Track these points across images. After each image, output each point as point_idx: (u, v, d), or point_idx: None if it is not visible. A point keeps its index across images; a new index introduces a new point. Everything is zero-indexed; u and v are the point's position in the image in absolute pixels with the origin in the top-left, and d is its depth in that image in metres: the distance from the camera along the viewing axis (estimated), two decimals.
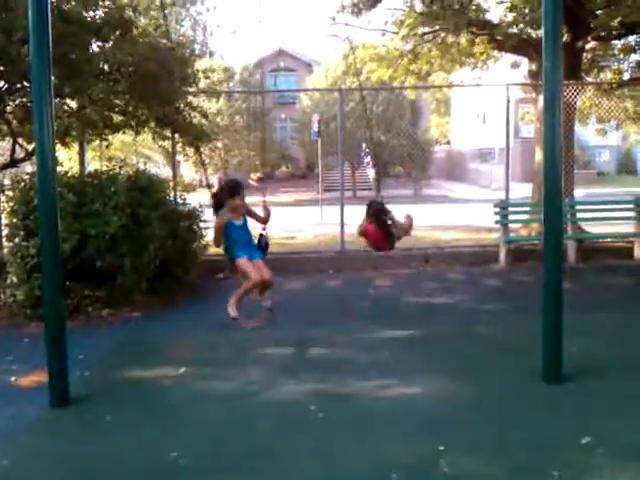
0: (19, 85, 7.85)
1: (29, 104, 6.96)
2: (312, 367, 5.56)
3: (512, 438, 4.07)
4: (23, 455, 4.10)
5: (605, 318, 6.84)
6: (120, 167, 8.15)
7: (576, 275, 8.87)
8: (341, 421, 4.40)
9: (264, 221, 6.26)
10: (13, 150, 8.99)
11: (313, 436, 4.19)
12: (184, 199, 9.19)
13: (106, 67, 8.09)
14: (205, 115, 10.23)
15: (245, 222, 6.08)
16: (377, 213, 6.40)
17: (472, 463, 3.77)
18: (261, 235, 6.28)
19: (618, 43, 12.37)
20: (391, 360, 5.65)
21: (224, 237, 5.96)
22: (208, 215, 8.99)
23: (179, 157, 14.11)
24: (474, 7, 11.21)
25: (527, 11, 10.70)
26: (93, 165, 12.00)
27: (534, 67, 11.59)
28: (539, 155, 10.86)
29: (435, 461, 3.76)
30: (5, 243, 8.08)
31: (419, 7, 11.80)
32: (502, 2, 11.72)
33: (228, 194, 5.99)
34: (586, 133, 23.61)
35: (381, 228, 6.36)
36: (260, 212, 6.34)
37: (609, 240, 11.06)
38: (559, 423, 4.26)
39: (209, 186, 7.90)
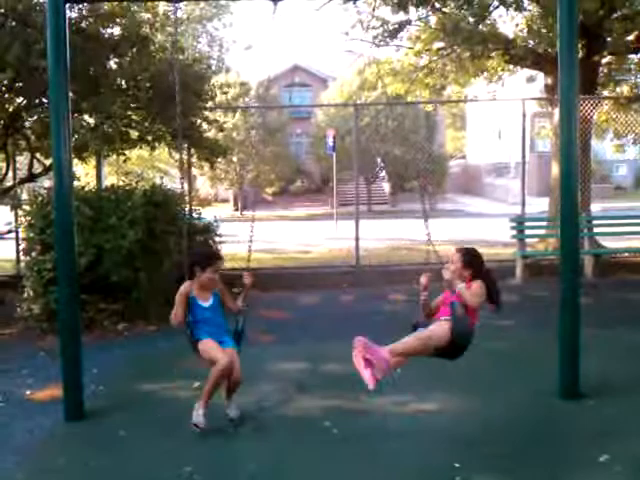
0: (37, 101, 7.95)
1: (47, 120, 7.04)
2: (326, 382, 5.53)
3: (528, 455, 4.02)
4: (37, 469, 4.10)
5: (623, 334, 6.76)
6: (137, 182, 8.21)
7: (593, 290, 8.77)
8: (356, 437, 4.37)
9: (236, 311, 4.71)
10: (31, 165, 9.09)
11: (327, 452, 4.16)
12: (199, 213, 9.23)
13: (123, 83, 8.17)
14: (221, 128, 10.29)
15: (216, 303, 4.62)
16: None
17: None
18: (238, 314, 4.73)
19: (634, 57, 12.33)
20: (406, 376, 5.60)
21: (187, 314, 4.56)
22: (224, 229, 9.05)
23: (195, 172, 14.23)
24: (489, 22, 11.24)
25: (542, 27, 10.71)
26: (110, 180, 12.10)
27: (550, 81, 11.57)
28: (555, 169, 10.80)
29: (450, 478, 3.72)
30: (22, 257, 8.15)
31: (433, 22, 11.85)
32: (517, 24, 11.75)
33: (198, 264, 4.57)
34: (603, 147, 23.50)
35: None
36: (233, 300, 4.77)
37: (626, 255, 10.96)
38: (576, 440, 4.21)
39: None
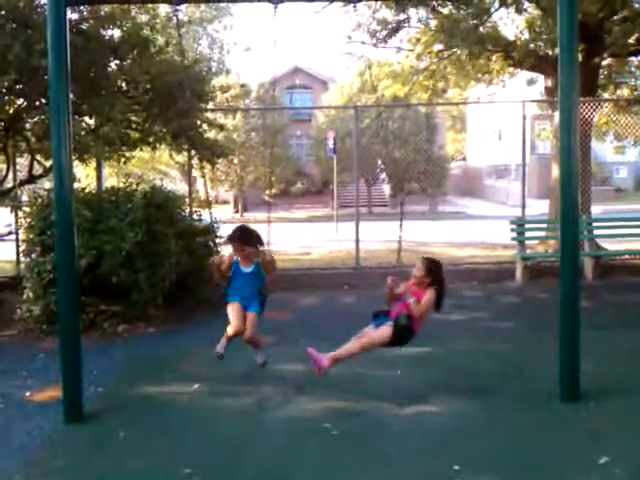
0: (38, 103, 7.95)
1: (47, 121, 7.05)
2: (327, 384, 5.51)
3: (529, 457, 4.01)
4: (37, 471, 4.09)
5: (623, 336, 6.75)
6: (137, 183, 8.21)
7: (593, 292, 8.77)
8: (356, 438, 4.37)
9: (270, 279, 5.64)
10: (31, 166, 9.10)
11: (328, 453, 4.16)
12: (200, 215, 9.22)
13: (123, 84, 8.18)
14: (222, 127, 10.29)
15: (257, 270, 5.47)
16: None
17: None
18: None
19: (635, 60, 12.33)
20: (406, 377, 5.61)
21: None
22: (223, 231, 9.04)
23: (195, 173, 14.21)
24: (490, 24, 11.25)
25: (543, 29, 10.72)
26: (110, 181, 12.10)
27: (550, 83, 11.57)
28: (556, 171, 10.81)
29: None
30: (22, 258, 8.15)
31: (434, 25, 11.87)
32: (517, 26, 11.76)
33: (249, 242, 5.43)
34: (603, 149, 23.50)
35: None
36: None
37: (626, 257, 10.96)
38: (576, 443, 4.20)
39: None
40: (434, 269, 5.03)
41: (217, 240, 9.01)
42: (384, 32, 11.77)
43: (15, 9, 7.20)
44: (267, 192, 28.58)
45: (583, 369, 4.89)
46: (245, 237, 5.45)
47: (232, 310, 5.36)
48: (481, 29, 10.74)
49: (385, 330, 4.89)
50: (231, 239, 5.46)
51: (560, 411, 4.76)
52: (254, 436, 4.48)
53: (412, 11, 11.65)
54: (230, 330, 5.30)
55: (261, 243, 5.51)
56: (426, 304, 4.92)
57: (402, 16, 11.47)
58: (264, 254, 5.51)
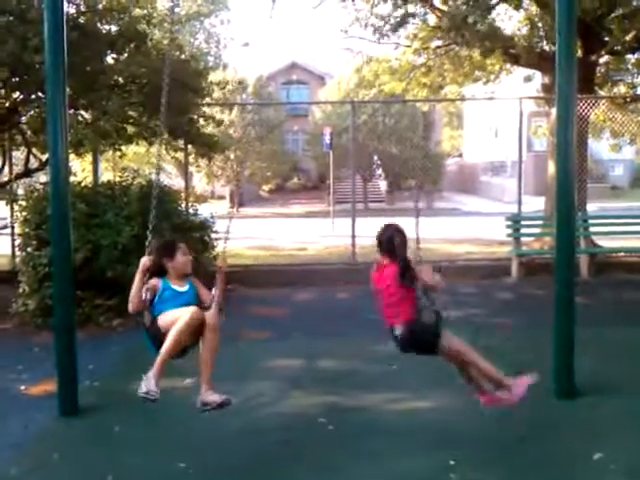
0: (34, 96, 7.92)
1: (43, 115, 7.02)
2: (321, 379, 5.53)
3: (523, 453, 4.03)
4: (31, 464, 4.09)
5: (618, 333, 6.77)
6: (133, 178, 8.19)
7: (588, 289, 8.78)
8: (351, 434, 4.38)
9: (209, 304, 4.08)
10: (27, 160, 9.07)
11: (322, 449, 4.17)
12: (196, 210, 9.22)
13: (120, 79, 8.15)
14: (219, 123, 10.28)
15: (192, 291, 4.17)
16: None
17: (483, 478, 3.73)
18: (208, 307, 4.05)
19: (632, 57, 12.34)
20: (401, 373, 5.62)
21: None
22: (219, 226, 9.04)
23: (191, 168, 14.20)
24: (488, 20, 11.23)
25: (541, 25, 10.72)
26: (106, 175, 12.08)
27: (547, 80, 11.57)
28: (552, 168, 10.81)
29: (445, 475, 3.73)
30: (18, 252, 8.13)
31: (432, 21, 11.86)
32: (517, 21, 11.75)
33: (163, 256, 4.22)
34: (599, 147, 23.51)
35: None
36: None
37: (622, 254, 10.98)
38: (571, 439, 4.22)
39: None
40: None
41: (213, 235, 9.02)
42: (387, 27, 11.74)
43: (10, 2, 7.16)
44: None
45: (578, 366, 4.91)
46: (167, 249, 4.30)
47: (172, 313, 3.95)
48: (480, 26, 10.71)
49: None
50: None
51: (555, 407, 4.77)
52: (249, 431, 4.49)
53: (414, 7, 11.64)
54: (187, 317, 3.84)
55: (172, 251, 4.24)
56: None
57: (400, 11, 11.45)
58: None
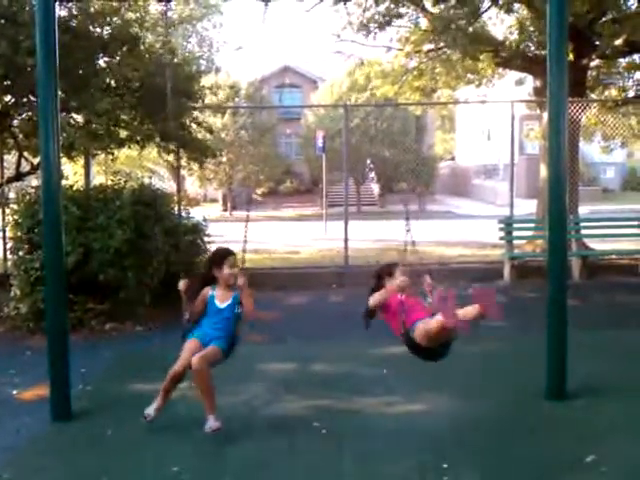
0: (25, 99, 7.90)
1: (35, 118, 7.01)
2: (315, 383, 5.53)
3: (515, 456, 4.04)
4: (24, 469, 4.08)
5: (610, 336, 6.80)
6: (125, 181, 8.18)
7: (581, 292, 8.82)
8: (344, 437, 4.38)
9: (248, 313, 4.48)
10: (19, 164, 9.04)
11: (316, 452, 4.16)
12: (188, 213, 9.20)
13: (112, 82, 8.14)
14: (210, 130, 10.27)
15: (233, 304, 4.50)
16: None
17: None
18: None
19: (622, 61, 12.41)
20: (395, 376, 5.62)
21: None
22: (212, 229, 9.03)
23: (183, 172, 14.17)
24: (480, 24, 11.29)
25: (532, 29, 10.77)
26: (98, 179, 12.05)
27: (539, 84, 11.62)
28: (544, 172, 10.85)
29: (438, 478, 3.73)
30: (9, 256, 8.10)
31: (424, 24, 11.89)
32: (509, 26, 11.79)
33: (212, 265, 4.65)
34: (591, 150, 23.62)
35: None
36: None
37: (614, 257, 11.04)
38: (563, 441, 4.23)
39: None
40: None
41: (205, 239, 9.01)
42: (374, 25, 11.75)
43: (1, 5, 7.15)
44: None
45: (570, 368, 4.92)
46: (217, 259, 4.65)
47: (186, 347, 4.47)
48: (470, 29, 10.76)
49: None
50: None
51: (547, 410, 4.79)
52: (242, 435, 4.48)
53: (403, 9, 11.67)
54: (173, 368, 4.44)
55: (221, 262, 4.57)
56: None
57: (382, 6, 11.47)
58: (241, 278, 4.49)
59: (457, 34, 10.20)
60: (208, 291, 4.59)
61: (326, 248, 13.58)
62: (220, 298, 4.54)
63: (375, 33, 11.97)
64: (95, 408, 5.03)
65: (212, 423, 4.24)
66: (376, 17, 11.68)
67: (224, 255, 4.61)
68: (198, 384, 4.36)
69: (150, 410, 4.48)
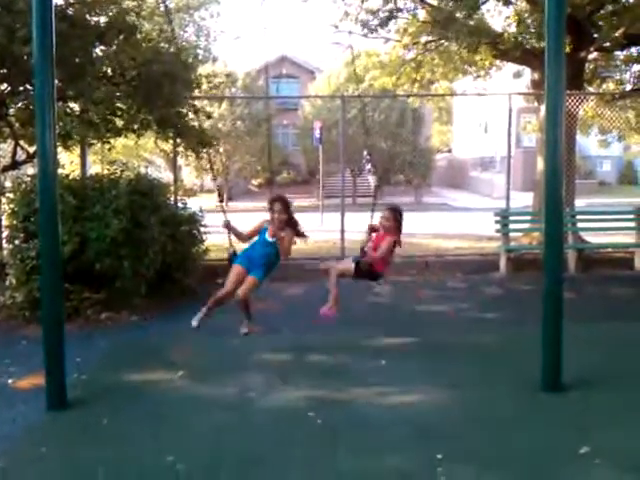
0: (22, 88, 7.86)
1: (31, 107, 6.97)
2: (311, 373, 5.54)
3: (510, 447, 4.05)
4: (20, 458, 4.08)
5: (605, 328, 6.82)
6: (121, 171, 8.16)
7: (576, 285, 8.84)
8: (339, 428, 4.39)
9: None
10: (15, 152, 9.00)
11: (311, 443, 4.17)
12: (185, 203, 9.19)
13: (109, 70, 8.10)
14: (209, 116, 10.24)
15: (275, 242, 5.77)
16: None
17: (470, 472, 3.75)
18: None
19: (620, 54, 12.40)
20: (390, 368, 5.64)
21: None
22: (208, 220, 9.01)
23: (180, 161, 14.12)
24: (478, 16, 11.25)
25: (530, 22, 10.74)
26: (95, 168, 12.01)
27: (536, 76, 11.61)
28: (540, 164, 10.86)
29: (433, 470, 3.75)
30: (5, 245, 8.08)
31: (422, 16, 11.86)
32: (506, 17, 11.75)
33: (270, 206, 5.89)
34: (588, 143, 23.63)
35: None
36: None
37: (609, 250, 11.06)
38: (558, 433, 4.25)
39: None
40: (399, 217, 5.98)
41: (202, 229, 9.00)
42: (375, 21, 11.72)
43: None
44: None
45: (565, 360, 4.94)
46: (287, 204, 5.85)
47: (232, 271, 5.70)
48: (470, 22, 10.72)
49: (348, 263, 6.26)
50: (277, 200, 5.80)
51: (542, 402, 4.80)
52: (238, 425, 4.49)
53: (403, 2, 11.63)
54: (221, 291, 5.65)
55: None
56: (385, 249, 5.88)
57: (389, 5, 11.44)
58: (288, 235, 5.79)
59: (462, 28, 10.16)
60: (264, 223, 5.79)
61: (322, 239, 13.57)
62: (270, 233, 5.69)
63: (375, 31, 11.93)
64: (90, 397, 5.03)
65: (245, 328, 5.84)
66: (377, 12, 11.62)
67: (271, 200, 5.84)
68: (241, 305, 5.69)
69: (194, 321, 5.64)
